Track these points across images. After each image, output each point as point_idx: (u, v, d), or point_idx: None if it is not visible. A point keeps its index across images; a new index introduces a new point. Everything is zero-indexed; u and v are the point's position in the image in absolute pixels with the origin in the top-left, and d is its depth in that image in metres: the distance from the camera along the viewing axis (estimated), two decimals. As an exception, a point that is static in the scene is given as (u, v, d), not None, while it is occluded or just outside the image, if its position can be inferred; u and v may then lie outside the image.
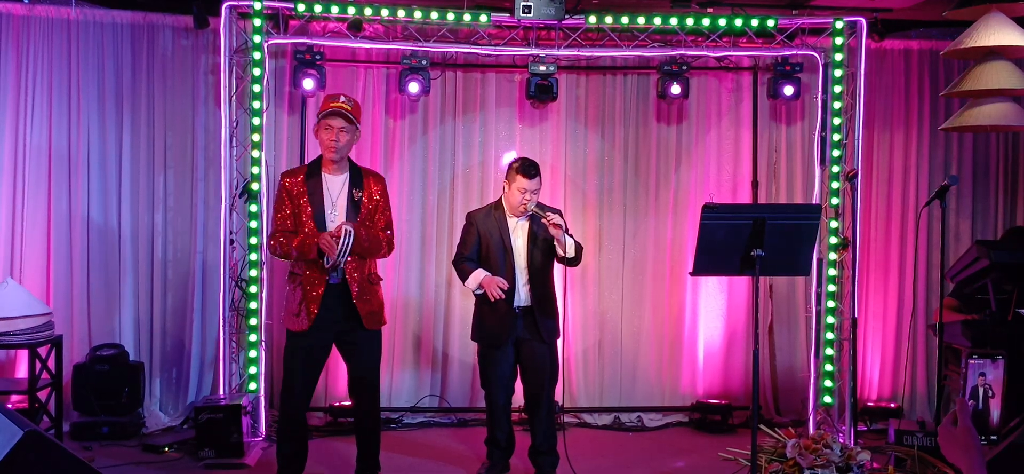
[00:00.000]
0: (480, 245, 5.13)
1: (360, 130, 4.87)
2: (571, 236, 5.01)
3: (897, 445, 5.71)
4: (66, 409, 5.98)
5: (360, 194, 4.78)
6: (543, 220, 4.92)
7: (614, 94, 6.77)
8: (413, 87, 6.19)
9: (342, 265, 4.64)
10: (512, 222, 5.12)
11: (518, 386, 5.26)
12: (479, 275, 5.03)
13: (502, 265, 5.06)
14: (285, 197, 4.77)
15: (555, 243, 4.96)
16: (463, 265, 5.14)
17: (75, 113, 6.29)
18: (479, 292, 5.07)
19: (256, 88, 6.00)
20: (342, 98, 4.78)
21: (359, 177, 4.84)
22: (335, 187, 4.78)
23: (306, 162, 5.49)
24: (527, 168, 5.00)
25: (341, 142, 4.71)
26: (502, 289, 4.95)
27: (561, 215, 5.02)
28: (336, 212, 4.74)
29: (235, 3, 5.99)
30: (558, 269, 5.27)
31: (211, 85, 6.44)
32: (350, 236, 4.54)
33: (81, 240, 6.32)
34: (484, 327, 5.15)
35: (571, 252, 4.98)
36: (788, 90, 6.34)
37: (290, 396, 4.82)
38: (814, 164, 6.42)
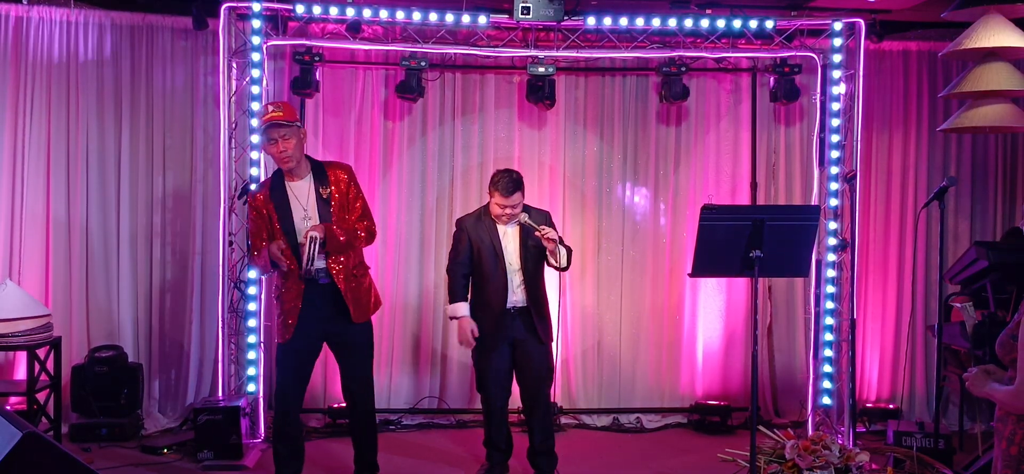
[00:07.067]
0: (472, 251, 5.12)
1: (303, 127, 4.85)
2: (564, 244, 5.02)
3: (896, 446, 5.71)
4: (65, 411, 5.98)
5: (328, 190, 4.75)
6: (536, 234, 4.92)
7: (613, 95, 6.76)
8: (400, 90, 6.19)
9: (315, 271, 4.58)
10: (502, 227, 5.10)
11: (515, 387, 5.26)
12: (459, 310, 5.07)
13: (495, 270, 5.05)
14: (255, 215, 4.79)
15: (548, 254, 4.97)
16: (456, 282, 5.13)
17: (74, 114, 6.28)
18: (453, 320, 5.17)
19: (255, 89, 5.99)
20: (271, 107, 4.78)
21: (323, 173, 4.81)
22: (302, 192, 4.75)
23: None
24: (504, 187, 4.95)
25: (289, 150, 4.69)
26: (491, 298, 5.01)
27: (549, 217, 5.04)
28: (309, 216, 4.71)
29: (234, 4, 5.99)
30: (550, 270, 5.27)
31: (210, 86, 6.43)
32: (314, 242, 4.52)
33: (80, 241, 6.32)
34: (479, 329, 5.15)
35: (564, 262, 5.00)
36: (787, 91, 6.33)
37: (283, 398, 4.85)
38: (813, 165, 6.42)
